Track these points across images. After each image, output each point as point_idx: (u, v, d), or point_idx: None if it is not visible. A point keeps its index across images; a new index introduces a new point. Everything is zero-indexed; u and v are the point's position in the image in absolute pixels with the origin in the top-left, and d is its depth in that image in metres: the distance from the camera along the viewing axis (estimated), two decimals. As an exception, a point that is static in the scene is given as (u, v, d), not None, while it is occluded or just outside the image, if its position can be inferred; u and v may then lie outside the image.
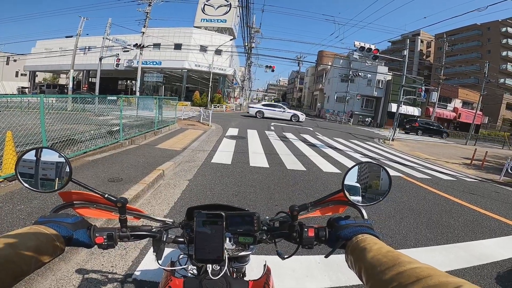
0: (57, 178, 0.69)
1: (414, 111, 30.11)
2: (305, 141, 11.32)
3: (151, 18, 20.50)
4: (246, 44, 31.98)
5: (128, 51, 27.89)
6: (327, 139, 12.85)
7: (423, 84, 24.18)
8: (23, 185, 0.67)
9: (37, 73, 44.02)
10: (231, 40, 28.85)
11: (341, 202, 0.78)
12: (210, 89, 27.49)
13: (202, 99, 28.16)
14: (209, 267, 0.73)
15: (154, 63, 28.31)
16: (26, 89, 38.30)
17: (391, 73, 30.03)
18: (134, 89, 25.61)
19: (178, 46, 28.63)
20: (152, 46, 27.82)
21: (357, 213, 0.75)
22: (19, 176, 0.67)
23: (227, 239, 0.75)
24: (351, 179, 0.74)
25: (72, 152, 5.06)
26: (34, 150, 0.69)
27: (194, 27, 32.21)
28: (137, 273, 2.13)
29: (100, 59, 18.54)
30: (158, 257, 0.75)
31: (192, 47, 28.07)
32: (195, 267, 0.83)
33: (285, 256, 0.76)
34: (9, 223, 2.56)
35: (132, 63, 26.52)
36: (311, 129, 17.10)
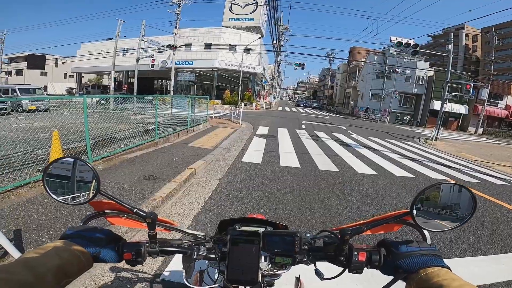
0: (85, 190, 0.67)
1: (460, 108, 27.46)
2: (337, 140, 10.88)
3: (181, 19, 21.23)
4: (275, 42, 31.76)
5: (161, 51, 29.25)
6: (362, 139, 12.22)
7: (471, 80, 21.90)
8: (52, 197, 0.65)
9: (83, 74, 48.29)
10: (259, 38, 28.82)
11: (400, 221, 0.66)
12: (240, 88, 27.77)
13: (233, 98, 28.56)
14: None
15: (186, 63, 29.30)
16: (74, 90, 41.99)
17: (433, 69, 27.70)
18: (168, 89, 26.77)
19: (208, 46, 29.32)
20: (184, 47, 28.81)
21: (411, 233, 0.62)
22: (47, 188, 0.66)
23: (262, 257, 0.68)
24: (423, 201, 0.63)
25: (112, 150, 5.36)
26: (61, 160, 0.68)
27: (223, 26, 32.70)
28: (165, 273, 2.16)
29: (137, 60, 19.65)
30: (187, 274, 0.70)
31: (221, 47, 28.55)
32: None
33: (325, 277, 0.69)
34: (53, 220, 2.75)
35: (166, 64, 27.73)
36: (344, 127, 16.44)
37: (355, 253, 0.62)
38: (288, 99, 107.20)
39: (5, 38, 39.52)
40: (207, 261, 0.76)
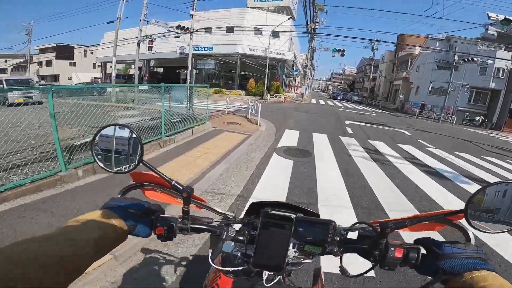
0: (129, 159, 0.68)
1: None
2: (416, 162, 6.50)
3: (199, -1, 17.46)
4: (309, 24, 26.84)
5: (178, 36, 25.97)
6: (449, 157, 7.62)
7: None
8: (98, 164, 0.67)
9: (109, 64, 47.49)
10: (289, 18, 24.13)
11: (445, 220, 0.63)
12: (266, 76, 23.66)
13: (258, 88, 24.58)
14: (265, 273, 0.68)
15: (206, 48, 25.75)
16: (99, 79, 41.03)
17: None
18: (187, 78, 23.58)
19: (230, 29, 25.41)
20: (204, 31, 25.24)
21: (454, 234, 0.61)
22: (94, 155, 0.67)
23: (291, 244, 0.65)
24: (480, 200, 0.58)
25: None
26: (111, 127, 0.68)
27: (248, 7, 28.38)
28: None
29: (138, 44, 16.33)
30: (214, 255, 0.72)
31: (245, 30, 24.47)
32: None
33: (351, 274, 0.65)
34: None
35: (185, 50, 24.42)
36: (406, 132, 11.69)
37: (391, 248, 0.59)
38: (320, 91, 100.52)
39: (32, 29, 39.76)
40: (232, 243, 0.75)
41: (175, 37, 27.08)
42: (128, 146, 0.67)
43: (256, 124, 9.18)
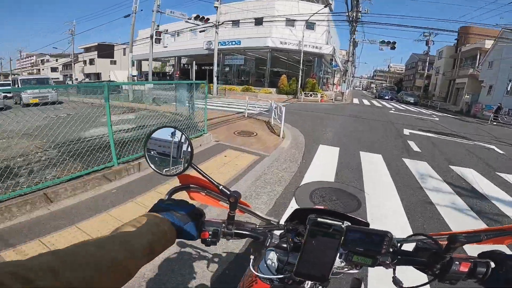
0: (179, 161, 0.68)
1: None
2: None
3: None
4: (350, 11, 23.23)
5: (204, 30, 24.14)
6: None
7: None
8: (150, 166, 0.68)
9: (145, 61, 48.15)
10: (325, 7, 20.72)
11: None
12: (301, 72, 20.75)
13: (291, 86, 21.78)
14: (307, 282, 0.66)
15: (233, 42, 23.53)
16: (135, 77, 41.63)
17: None
18: (215, 75, 21.69)
19: (258, 21, 22.82)
20: (231, 24, 23.07)
21: None
22: (147, 157, 0.68)
23: (338, 254, 0.61)
24: None
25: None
26: (162, 129, 0.69)
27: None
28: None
29: (151, 37, 14.63)
30: (256, 262, 0.69)
31: (275, 21, 21.74)
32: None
33: (406, 287, 0.61)
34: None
35: (211, 45, 22.56)
36: (499, 151, 8.02)
37: (456, 262, 0.56)
38: (362, 89, 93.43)
39: (75, 28, 41.57)
40: (272, 251, 0.74)
41: (201, 31, 25.52)
42: (178, 148, 0.68)
43: (279, 136, 6.65)
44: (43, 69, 61.85)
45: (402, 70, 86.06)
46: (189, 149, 0.67)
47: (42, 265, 0.33)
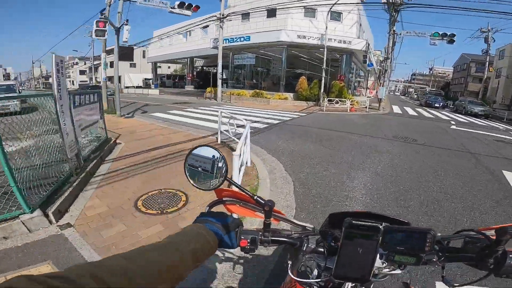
0: (215, 176, 0.72)
1: None
2: None
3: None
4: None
5: (206, 26, 20.64)
6: None
7: None
8: (189, 181, 0.72)
9: (164, 64, 46.32)
10: None
11: None
12: (324, 73, 16.34)
13: (311, 90, 17.41)
14: (347, 285, 0.66)
15: (242, 38, 19.57)
16: (150, 80, 39.82)
17: None
18: (220, 77, 18.10)
19: (271, 13, 18.68)
20: (241, 17, 19.24)
21: None
22: (186, 173, 0.72)
23: (378, 254, 0.61)
24: None
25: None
26: (200, 147, 0.73)
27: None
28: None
29: (118, 30, 11.12)
30: (294, 266, 0.71)
31: (291, 10, 17.50)
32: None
33: (456, 285, 0.62)
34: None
35: (217, 42, 18.96)
36: None
37: (510, 255, 0.56)
38: (400, 94, 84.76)
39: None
40: (308, 255, 0.74)
41: (204, 27, 22.12)
42: (213, 164, 0.71)
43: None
44: (72, 72, 63.59)
45: (444, 73, 76.70)
46: (224, 165, 0.70)
47: (114, 267, 0.38)
